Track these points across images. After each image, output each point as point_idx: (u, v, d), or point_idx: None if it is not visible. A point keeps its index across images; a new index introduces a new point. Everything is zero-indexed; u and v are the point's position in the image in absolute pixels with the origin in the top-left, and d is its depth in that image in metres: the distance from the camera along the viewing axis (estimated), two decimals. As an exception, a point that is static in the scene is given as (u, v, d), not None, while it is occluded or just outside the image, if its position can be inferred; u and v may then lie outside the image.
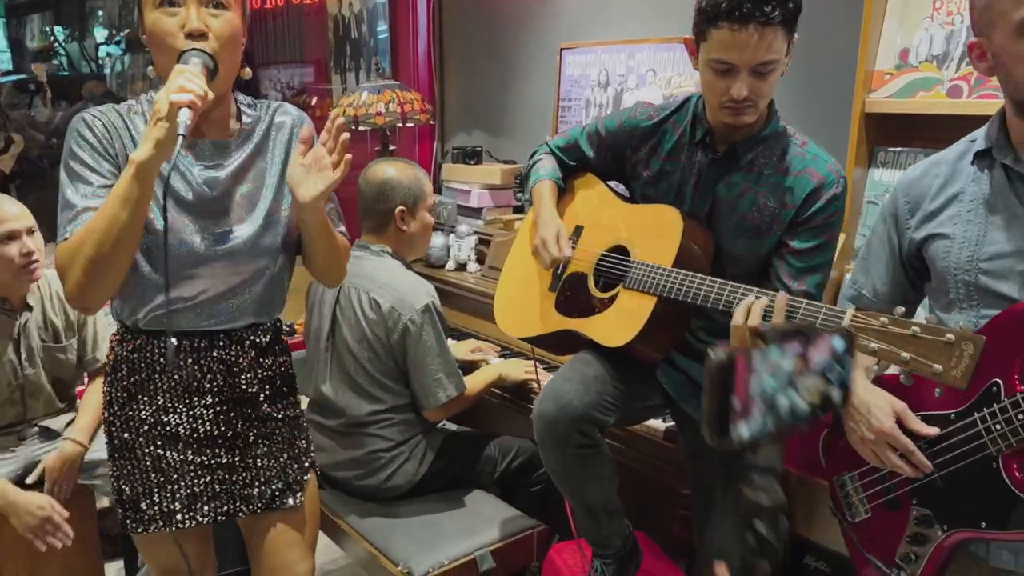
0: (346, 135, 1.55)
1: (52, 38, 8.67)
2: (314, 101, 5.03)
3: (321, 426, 2.58)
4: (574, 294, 2.11)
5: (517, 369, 2.72)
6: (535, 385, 2.70)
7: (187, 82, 1.42)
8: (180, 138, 1.39)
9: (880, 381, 1.64)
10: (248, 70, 1.66)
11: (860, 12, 2.33)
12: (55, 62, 7.92)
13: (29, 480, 2.57)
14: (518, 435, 2.73)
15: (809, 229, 1.87)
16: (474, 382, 2.59)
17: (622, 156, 2.09)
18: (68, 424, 2.71)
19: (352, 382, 2.50)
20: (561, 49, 3.47)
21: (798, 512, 2.14)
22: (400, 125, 3.78)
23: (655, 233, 1.94)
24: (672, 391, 2.11)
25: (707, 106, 1.91)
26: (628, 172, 2.10)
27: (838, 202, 1.86)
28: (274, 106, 1.76)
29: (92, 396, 2.69)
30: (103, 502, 2.85)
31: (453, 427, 2.82)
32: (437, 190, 3.96)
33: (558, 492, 2.08)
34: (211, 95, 1.48)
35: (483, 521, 2.48)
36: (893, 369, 1.50)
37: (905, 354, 1.39)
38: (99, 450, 2.60)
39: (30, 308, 2.61)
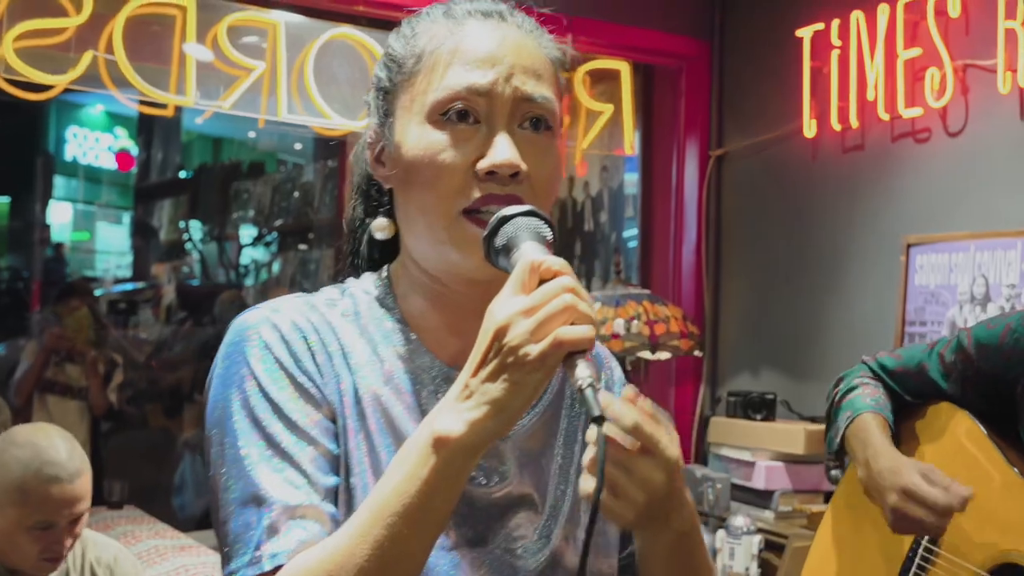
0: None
1: (186, 235, 8.54)
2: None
3: None
4: None
5: None
6: None
7: (578, 301, 0.97)
8: (598, 426, 0.94)
9: None
10: None
11: None
12: (184, 269, 7.86)
13: None
14: None
15: None
16: None
17: (1008, 390, 1.89)
18: None
19: None
20: (908, 246, 3.15)
21: None
22: (649, 356, 3.27)
23: None
24: None
25: None
26: (1021, 413, 1.90)
27: None
28: None
29: None
30: None
31: None
32: (701, 459, 3.59)
33: None
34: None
35: None
36: None
37: None
38: None
39: None
